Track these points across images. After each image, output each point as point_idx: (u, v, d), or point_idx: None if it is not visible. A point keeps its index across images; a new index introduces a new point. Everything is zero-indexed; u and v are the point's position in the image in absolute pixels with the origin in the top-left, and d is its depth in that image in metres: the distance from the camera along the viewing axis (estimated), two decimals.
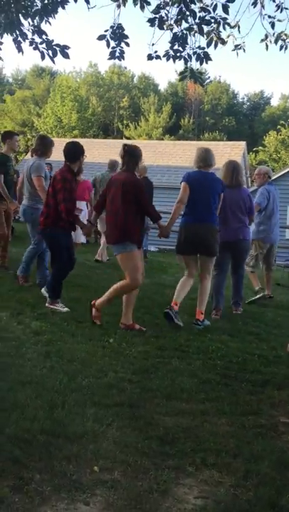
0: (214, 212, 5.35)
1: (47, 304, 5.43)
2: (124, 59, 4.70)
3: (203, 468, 2.58)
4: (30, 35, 4.68)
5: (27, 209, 6.35)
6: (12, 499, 2.18)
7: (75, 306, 5.56)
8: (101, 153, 21.83)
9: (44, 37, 4.66)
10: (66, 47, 4.66)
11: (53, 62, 4.84)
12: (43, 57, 4.69)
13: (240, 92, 62.84)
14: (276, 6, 4.73)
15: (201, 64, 4.68)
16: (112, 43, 4.73)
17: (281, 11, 4.78)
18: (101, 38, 4.66)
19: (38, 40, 4.70)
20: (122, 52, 4.70)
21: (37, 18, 4.60)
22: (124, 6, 4.53)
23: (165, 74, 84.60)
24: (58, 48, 4.61)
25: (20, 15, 4.41)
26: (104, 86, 50.54)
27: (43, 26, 4.63)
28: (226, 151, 20.95)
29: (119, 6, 4.53)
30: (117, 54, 4.73)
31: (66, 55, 4.64)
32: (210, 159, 5.44)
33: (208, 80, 51.19)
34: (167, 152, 21.02)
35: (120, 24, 4.59)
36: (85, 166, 7.09)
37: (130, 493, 2.31)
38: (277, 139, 37.41)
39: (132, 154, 4.94)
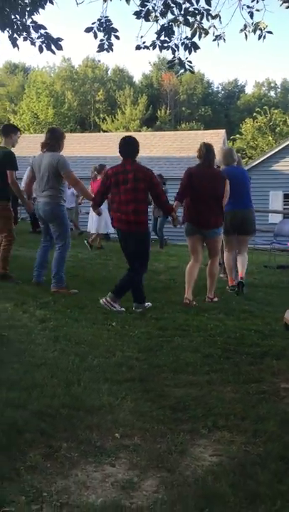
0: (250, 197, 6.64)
1: (138, 310, 5.28)
2: (112, 51, 4.87)
3: (215, 430, 2.79)
4: (27, 30, 4.81)
5: (49, 206, 5.82)
6: (44, 465, 2.37)
7: (76, 294, 5.80)
8: (79, 147, 21.90)
9: (42, 31, 4.80)
10: (59, 39, 4.85)
11: (53, 53, 5.01)
12: (41, 51, 4.84)
13: (214, 81, 63.30)
14: None
15: (189, 53, 4.87)
16: (100, 36, 4.90)
17: (258, 2, 4.99)
18: (88, 30, 4.82)
19: (34, 35, 4.86)
20: (110, 44, 4.87)
21: (26, 13, 4.73)
22: (111, 0, 4.71)
23: (139, 66, 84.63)
24: (50, 41, 4.76)
25: (11, 12, 4.54)
26: (78, 80, 50.44)
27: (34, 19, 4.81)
28: (206, 139, 21.11)
29: (105, 0, 4.69)
30: (106, 46, 4.89)
31: (59, 47, 4.82)
32: (235, 155, 6.72)
33: (182, 71, 51.23)
34: (148, 143, 21.14)
35: (108, 17, 4.77)
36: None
37: (151, 455, 2.51)
38: (254, 127, 37.75)
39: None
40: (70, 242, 6.11)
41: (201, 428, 2.80)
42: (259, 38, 5.31)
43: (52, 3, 4.71)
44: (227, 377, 3.54)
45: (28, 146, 19.87)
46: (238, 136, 38.79)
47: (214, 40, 5.30)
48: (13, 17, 4.58)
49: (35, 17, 4.95)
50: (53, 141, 5.86)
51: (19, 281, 6.12)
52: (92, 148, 21.94)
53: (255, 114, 38.25)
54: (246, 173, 7.05)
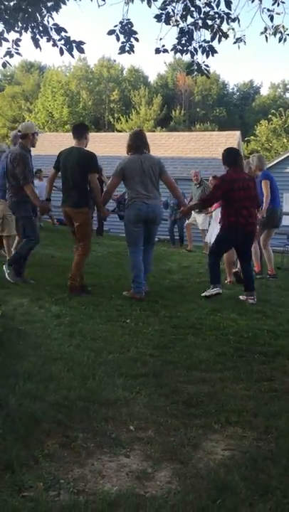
0: None
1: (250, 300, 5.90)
2: (134, 52, 4.95)
3: (227, 426, 2.85)
4: (49, 33, 4.92)
5: (158, 208, 5.86)
6: (62, 454, 2.45)
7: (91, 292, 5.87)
8: (94, 146, 21.98)
9: (63, 34, 4.92)
10: (81, 42, 4.95)
11: (73, 57, 5.15)
12: (61, 53, 4.95)
13: (230, 82, 63.02)
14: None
15: (207, 57, 4.92)
16: (122, 38, 4.98)
17: (278, 5, 5.03)
18: (111, 32, 4.91)
19: (56, 37, 4.96)
20: (131, 46, 4.95)
21: (49, 10, 4.82)
22: (133, 2, 4.78)
23: (155, 66, 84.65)
24: (74, 44, 4.87)
25: (37, 13, 4.65)
26: (94, 80, 50.54)
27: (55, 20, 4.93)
28: (221, 141, 21.17)
29: (127, 3, 4.77)
30: (127, 48, 4.97)
31: (81, 50, 4.92)
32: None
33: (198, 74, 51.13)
34: (163, 144, 21.21)
35: (129, 20, 4.85)
36: None
37: (165, 447, 2.58)
38: (269, 128, 37.61)
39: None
40: None
41: (213, 423, 2.86)
42: (279, 40, 5.34)
43: (75, 0, 4.81)
44: (239, 375, 3.59)
45: (43, 144, 20.04)
46: (252, 137, 38.66)
47: (235, 42, 5.33)
48: (36, 18, 4.68)
49: (56, 18, 5.05)
50: (141, 143, 5.83)
51: (32, 281, 6.11)
52: (105, 148, 22.06)
53: (270, 115, 38.11)
54: None
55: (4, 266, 6.16)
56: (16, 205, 6.14)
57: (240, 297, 6.07)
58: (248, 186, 5.94)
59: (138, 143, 5.82)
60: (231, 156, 6.13)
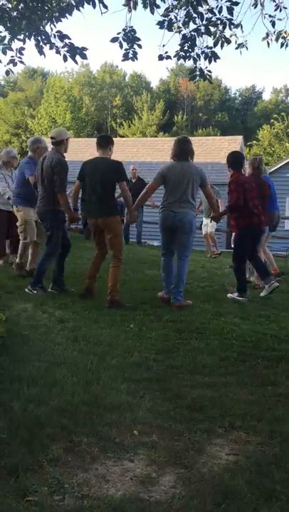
0: None
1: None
2: (137, 59, 4.98)
3: (231, 430, 2.85)
4: (52, 40, 4.96)
5: (190, 216, 5.76)
6: (66, 458, 2.46)
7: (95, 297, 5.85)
8: (96, 152, 22.02)
9: (67, 41, 4.95)
10: (84, 48, 4.98)
11: (76, 63, 5.19)
12: (65, 60, 4.99)
13: (232, 87, 63.28)
14: (275, 5, 5.01)
15: (209, 63, 4.95)
16: (125, 45, 5.00)
17: (280, 11, 5.06)
18: (114, 40, 4.93)
19: (59, 44, 4.99)
20: (135, 53, 4.98)
21: (54, 20, 4.87)
22: (135, 9, 4.82)
23: (157, 72, 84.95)
24: (77, 50, 4.90)
25: (39, 20, 4.69)
26: (96, 85, 50.75)
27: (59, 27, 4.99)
28: (224, 146, 21.22)
29: (130, 10, 4.80)
30: (130, 55, 5.00)
31: (84, 56, 4.95)
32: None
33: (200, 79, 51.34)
34: (165, 149, 21.20)
35: (132, 27, 4.88)
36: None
37: (169, 452, 2.58)
38: (271, 133, 37.68)
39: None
40: None
41: (217, 428, 2.86)
42: (281, 46, 5.37)
43: (79, 10, 4.83)
44: (243, 379, 3.59)
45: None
46: (254, 142, 38.73)
47: (237, 48, 5.37)
48: (39, 25, 4.73)
49: (59, 25, 5.09)
50: (185, 151, 5.84)
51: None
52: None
53: (272, 120, 38.18)
54: None
55: (28, 289, 5.86)
56: (50, 214, 5.89)
57: (261, 293, 6.53)
58: (255, 186, 6.45)
59: (182, 150, 5.84)
60: (237, 160, 6.47)
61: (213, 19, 4.76)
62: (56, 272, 6.10)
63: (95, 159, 5.76)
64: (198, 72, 5.17)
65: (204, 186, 5.90)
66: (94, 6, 4.59)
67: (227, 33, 4.98)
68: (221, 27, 4.77)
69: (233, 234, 7.00)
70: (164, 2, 5.00)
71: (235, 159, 6.45)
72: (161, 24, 4.90)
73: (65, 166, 5.76)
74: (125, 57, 5.05)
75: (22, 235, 7.00)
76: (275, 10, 5.04)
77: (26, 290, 5.84)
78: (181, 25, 4.90)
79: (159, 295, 5.92)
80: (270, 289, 6.39)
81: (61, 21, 5.16)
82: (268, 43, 5.20)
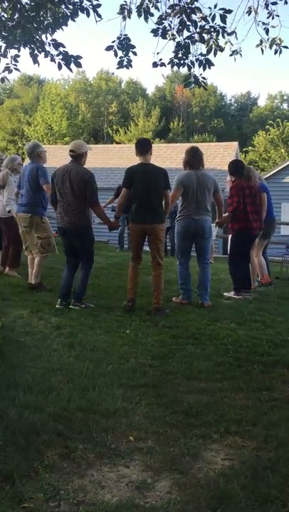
0: None
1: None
2: (132, 67, 5.02)
3: (227, 436, 2.86)
4: (47, 48, 5.00)
5: (210, 223, 6.24)
6: (61, 465, 2.46)
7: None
8: (93, 159, 22.10)
9: (61, 49, 4.98)
10: (79, 57, 5.02)
11: (71, 71, 5.28)
12: (60, 68, 5.02)
13: (227, 93, 63.57)
14: (268, 13, 5.06)
15: (204, 70, 4.99)
16: (120, 53, 5.05)
17: (273, 18, 5.11)
18: (109, 48, 4.97)
19: (54, 52, 5.02)
20: (129, 61, 5.02)
21: (49, 31, 4.92)
22: (130, 17, 4.86)
23: (153, 78, 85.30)
24: (72, 59, 4.94)
25: (35, 29, 4.73)
26: (92, 92, 50.91)
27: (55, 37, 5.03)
28: (219, 152, 21.29)
29: (124, 18, 4.85)
30: (125, 63, 5.04)
31: (79, 65, 4.99)
32: None
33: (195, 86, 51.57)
34: (161, 155, 21.30)
35: (126, 35, 4.92)
36: None
37: (165, 457, 2.58)
38: (267, 139, 37.83)
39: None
40: None
41: (213, 433, 2.87)
42: (275, 52, 5.40)
43: (74, 21, 4.87)
44: (239, 384, 3.60)
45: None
46: (250, 148, 38.89)
47: (231, 55, 5.41)
48: (34, 34, 4.77)
49: (54, 33, 5.13)
50: (197, 160, 6.18)
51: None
52: (104, 160, 22.15)
53: (267, 126, 38.35)
54: None
55: (73, 305, 5.69)
56: (88, 229, 5.76)
57: (225, 292, 6.89)
58: (254, 193, 6.75)
59: (194, 160, 6.19)
60: (238, 167, 6.95)
61: (207, 27, 4.80)
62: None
63: (142, 166, 5.69)
64: (192, 79, 5.21)
65: (216, 193, 6.24)
66: (88, 15, 4.63)
67: (221, 40, 5.03)
68: (214, 35, 4.81)
69: (230, 236, 7.15)
70: (158, 10, 5.08)
71: (236, 167, 6.97)
72: (155, 32, 4.94)
73: (94, 179, 5.69)
74: (120, 65, 5.09)
75: (43, 249, 6.50)
76: (268, 17, 5.09)
77: (71, 306, 5.64)
78: (175, 33, 4.95)
79: (176, 301, 6.23)
80: (235, 297, 6.67)
81: (56, 32, 5.22)
82: (262, 50, 5.25)
